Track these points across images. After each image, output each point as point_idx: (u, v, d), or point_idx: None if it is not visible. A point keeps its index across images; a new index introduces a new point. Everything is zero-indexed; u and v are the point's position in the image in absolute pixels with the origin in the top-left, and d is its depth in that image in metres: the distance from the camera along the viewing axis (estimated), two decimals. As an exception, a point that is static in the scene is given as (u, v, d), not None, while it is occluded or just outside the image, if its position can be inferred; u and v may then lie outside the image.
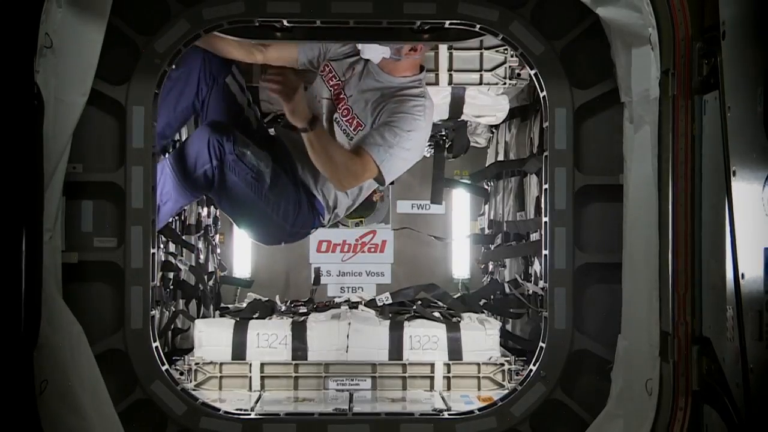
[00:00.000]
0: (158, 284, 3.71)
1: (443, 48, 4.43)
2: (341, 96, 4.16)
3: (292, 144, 4.19)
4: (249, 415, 3.37)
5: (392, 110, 4.01)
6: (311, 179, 4.18)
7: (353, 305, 4.79)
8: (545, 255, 3.32)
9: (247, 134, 4.14)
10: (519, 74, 4.46)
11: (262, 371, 4.02)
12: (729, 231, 2.40)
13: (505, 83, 4.49)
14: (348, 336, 4.15)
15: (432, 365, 4.06)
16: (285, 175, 4.13)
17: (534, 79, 3.31)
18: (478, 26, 3.21)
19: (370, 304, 4.65)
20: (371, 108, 4.08)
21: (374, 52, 3.99)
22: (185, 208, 4.76)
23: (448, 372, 4.07)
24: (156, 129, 3.28)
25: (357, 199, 4.36)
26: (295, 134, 4.02)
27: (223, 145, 3.85)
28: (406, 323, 4.21)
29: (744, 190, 2.32)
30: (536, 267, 4.15)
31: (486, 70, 4.46)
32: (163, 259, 4.23)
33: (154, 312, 3.30)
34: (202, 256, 5.16)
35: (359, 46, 4.02)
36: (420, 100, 4.08)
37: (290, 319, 4.31)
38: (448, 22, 3.23)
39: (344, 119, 4.13)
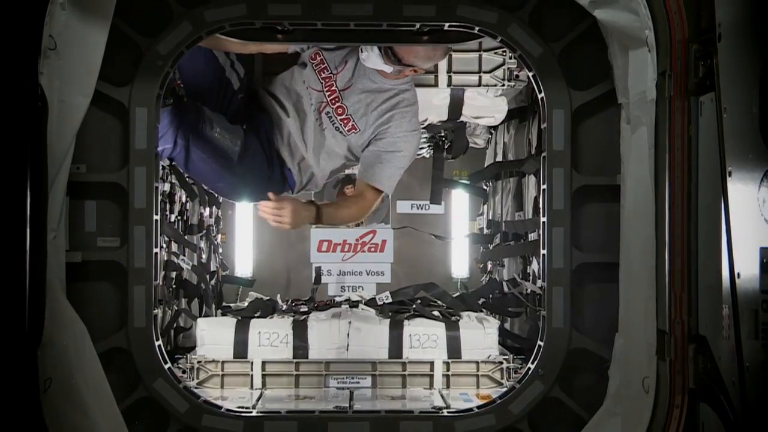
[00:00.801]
0: (161, 283, 3.74)
1: (442, 50, 4.44)
2: (333, 89, 4.16)
3: (273, 113, 4.23)
4: (250, 412, 3.39)
5: (392, 131, 4.10)
6: (288, 153, 4.22)
7: (353, 304, 4.81)
8: (543, 254, 3.34)
9: (227, 96, 4.17)
10: (517, 76, 4.47)
11: (263, 369, 4.05)
12: (725, 231, 2.42)
13: (503, 85, 4.50)
14: (348, 335, 4.17)
15: (431, 363, 4.09)
16: (259, 144, 4.17)
17: (532, 80, 3.33)
18: (477, 28, 3.23)
19: (370, 303, 4.67)
20: (370, 116, 4.11)
21: (375, 63, 4.01)
22: (187, 208, 4.80)
23: (448, 370, 4.09)
24: None
25: (333, 175, 4.48)
26: (276, 105, 4.14)
27: (190, 126, 3.89)
28: (405, 322, 4.23)
29: (740, 190, 2.34)
30: (534, 266, 4.16)
31: (485, 72, 4.48)
32: (165, 258, 4.25)
33: (156, 311, 3.32)
34: (204, 256, 5.19)
35: (362, 54, 4.02)
36: (413, 108, 4.20)
37: (291, 318, 4.32)
38: (447, 24, 3.24)
39: (339, 118, 4.14)
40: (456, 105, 4.64)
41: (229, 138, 4.02)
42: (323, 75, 4.19)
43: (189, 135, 3.89)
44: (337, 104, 4.13)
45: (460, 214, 6.26)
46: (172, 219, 4.49)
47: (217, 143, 3.98)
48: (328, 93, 4.15)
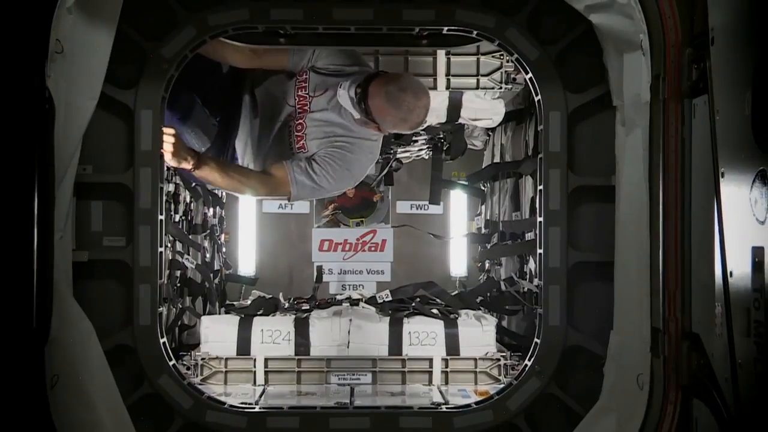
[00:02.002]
0: (165, 282, 3.76)
1: (441, 53, 4.49)
2: (305, 108, 4.15)
3: (245, 110, 4.26)
4: (253, 408, 3.43)
5: (331, 162, 4.03)
6: (242, 150, 4.28)
7: (354, 302, 4.85)
8: (540, 254, 3.38)
9: (214, 75, 4.20)
10: (514, 79, 4.50)
11: (266, 366, 4.10)
12: (718, 230, 2.46)
13: (501, 87, 4.53)
14: (349, 332, 4.21)
15: (430, 360, 4.14)
16: (221, 140, 4.20)
17: (529, 83, 3.37)
18: (475, 32, 3.27)
19: (371, 301, 4.71)
20: (322, 141, 4.08)
21: (345, 102, 3.97)
22: (192, 208, 4.84)
23: (446, 367, 4.14)
24: None
25: None
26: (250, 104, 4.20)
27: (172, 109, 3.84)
28: (405, 320, 4.27)
29: (732, 191, 2.38)
30: (531, 265, 4.19)
31: (483, 75, 4.52)
32: (170, 257, 4.28)
33: (161, 309, 3.37)
34: (208, 255, 5.21)
35: (339, 89, 3.97)
36: (365, 158, 4.12)
37: (293, 316, 4.37)
38: (446, 28, 3.28)
39: (296, 133, 4.16)
40: (454, 107, 4.67)
41: (198, 141, 4.07)
42: (300, 93, 4.19)
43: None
44: (300, 121, 4.14)
45: (459, 214, 6.31)
46: (177, 219, 4.52)
47: (186, 140, 3.96)
48: (299, 109, 4.16)
